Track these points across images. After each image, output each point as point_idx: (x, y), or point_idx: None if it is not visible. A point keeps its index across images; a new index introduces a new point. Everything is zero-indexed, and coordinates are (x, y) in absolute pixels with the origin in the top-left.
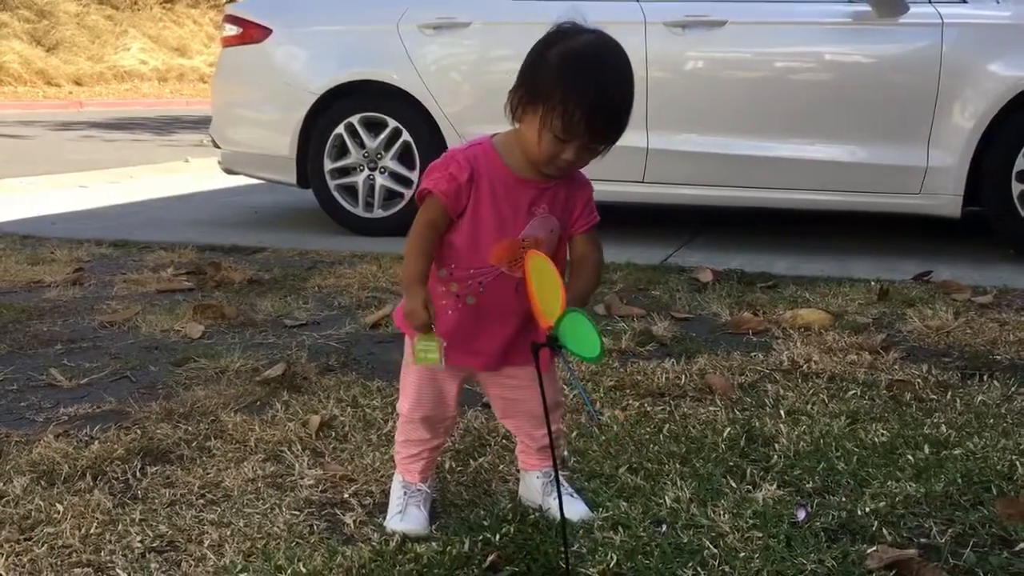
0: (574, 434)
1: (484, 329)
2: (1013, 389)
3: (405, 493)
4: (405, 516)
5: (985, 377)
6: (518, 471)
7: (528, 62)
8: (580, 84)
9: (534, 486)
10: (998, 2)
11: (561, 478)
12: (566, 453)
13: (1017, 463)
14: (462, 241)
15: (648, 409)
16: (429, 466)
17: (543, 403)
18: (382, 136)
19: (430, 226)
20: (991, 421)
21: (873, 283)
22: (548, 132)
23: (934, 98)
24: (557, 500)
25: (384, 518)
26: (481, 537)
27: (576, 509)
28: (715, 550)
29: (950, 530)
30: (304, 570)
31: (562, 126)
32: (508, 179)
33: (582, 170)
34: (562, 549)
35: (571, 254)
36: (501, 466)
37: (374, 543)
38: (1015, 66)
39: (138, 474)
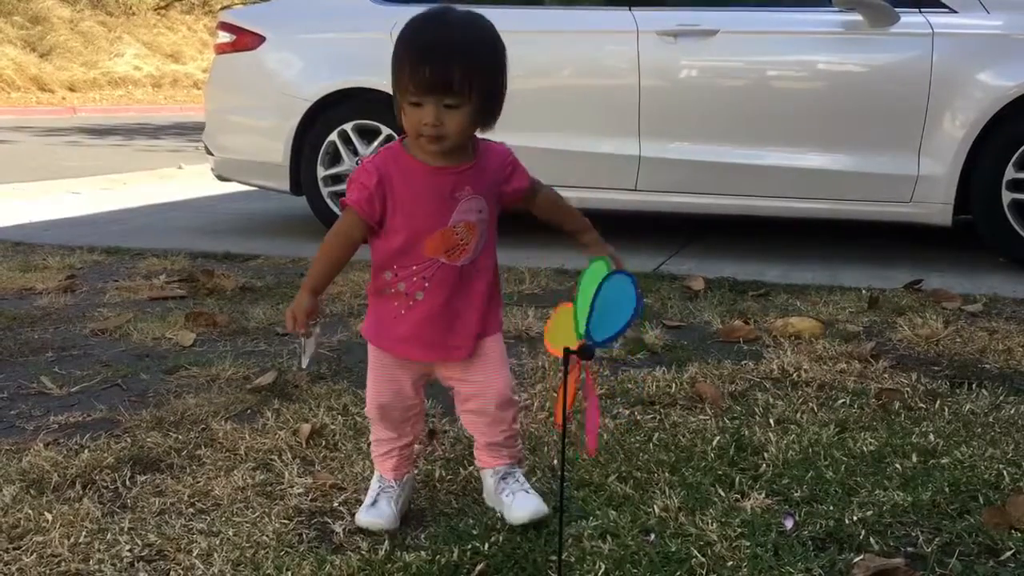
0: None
1: (439, 321)
2: (1001, 398)
3: (379, 487)
4: (372, 509)
5: (974, 386)
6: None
7: None
8: (404, 42)
9: (488, 485)
10: (988, 12)
11: (519, 475)
12: (524, 453)
13: (1004, 472)
14: (397, 241)
15: (638, 417)
16: (402, 464)
17: (563, 412)
18: (375, 143)
19: (341, 235)
20: (979, 430)
21: (864, 291)
22: (404, 104)
23: (925, 107)
24: (510, 498)
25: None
26: (470, 546)
27: (528, 504)
28: (703, 559)
29: (937, 539)
30: None
31: (400, 87)
32: (422, 172)
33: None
34: (551, 559)
35: (536, 208)
36: None
37: (363, 552)
38: (1005, 75)
39: (128, 483)
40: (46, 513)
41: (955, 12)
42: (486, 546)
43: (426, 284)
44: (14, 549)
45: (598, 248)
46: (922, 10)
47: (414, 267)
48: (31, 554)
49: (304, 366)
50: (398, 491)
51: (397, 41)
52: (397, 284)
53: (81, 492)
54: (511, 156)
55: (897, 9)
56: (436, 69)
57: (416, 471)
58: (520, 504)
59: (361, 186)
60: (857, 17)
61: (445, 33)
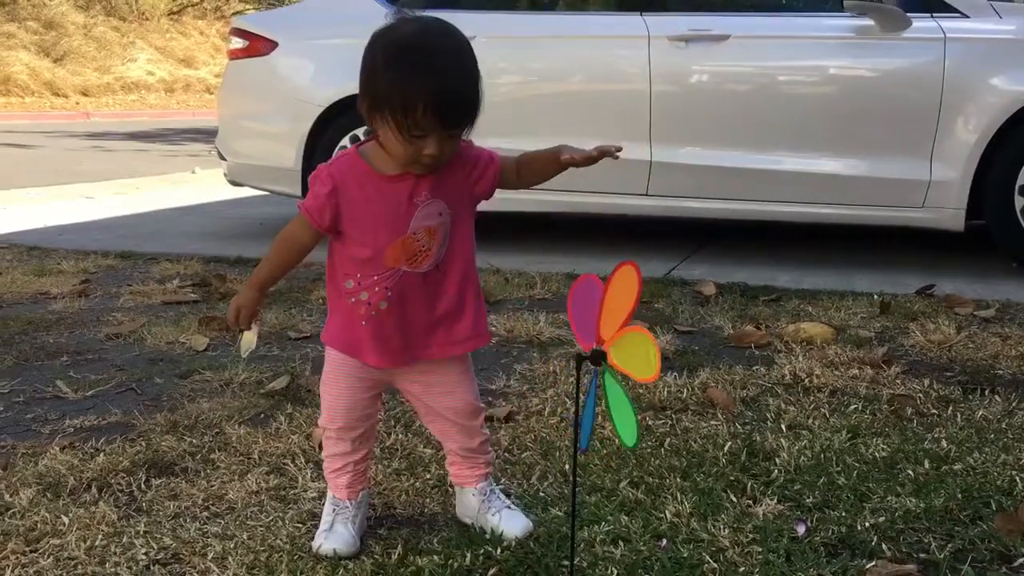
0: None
1: (404, 328)
2: (1014, 404)
3: (334, 510)
4: (330, 535)
5: (986, 392)
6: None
7: (362, 69)
8: (413, 78)
9: (471, 504)
10: (1001, 16)
11: (498, 490)
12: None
13: (1017, 478)
14: (355, 252)
15: (650, 423)
16: (356, 481)
17: (576, 417)
18: None
19: (290, 239)
20: (992, 436)
21: (876, 297)
22: (402, 134)
23: (937, 112)
24: (496, 517)
25: (385, 531)
26: (482, 551)
27: (518, 522)
28: (715, 565)
29: (949, 545)
30: None
31: (413, 124)
32: (377, 180)
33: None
34: (563, 563)
35: (515, 176)
36: (503, 479)
37: (376, 556)
38: (1018, 80)
39: (143, 486)
40: (62, 516)
41: (967, 17)
42: (498, 551)
43: (389, 293)
44: (31, 552)
45: (569, 152)
46: (934, 15)
47: (375, 277)
48: (48, 557)
49: (244, 357)
50: (353, 511)
51: (390, 66)
52: (359, 293)
53: (97, 495)
54: (481, 162)
55: (909, 14)
56: (456, 116)
57: (428, 476)
58: (509, 523)
59: (315, 194)
60: (869, 22)
61: (458, 71)
